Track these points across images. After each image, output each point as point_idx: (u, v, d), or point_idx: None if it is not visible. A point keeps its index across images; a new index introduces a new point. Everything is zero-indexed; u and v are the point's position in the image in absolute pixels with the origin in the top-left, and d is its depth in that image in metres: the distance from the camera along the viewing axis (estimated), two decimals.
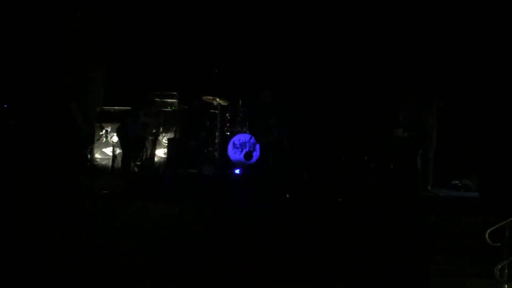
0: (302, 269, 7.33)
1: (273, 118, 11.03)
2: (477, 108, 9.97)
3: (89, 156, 11.77)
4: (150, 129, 11.14)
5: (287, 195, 8.79)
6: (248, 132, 11.15)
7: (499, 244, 6.62)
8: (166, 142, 11.44)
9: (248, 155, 10.89)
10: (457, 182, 10.80)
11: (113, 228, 7.82)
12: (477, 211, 8.15)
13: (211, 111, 11.59)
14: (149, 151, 11.29)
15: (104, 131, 11.72)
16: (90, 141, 11.84)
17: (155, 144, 11.08)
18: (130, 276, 7.39)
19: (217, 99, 11.25)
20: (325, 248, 7.39)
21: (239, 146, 11.10)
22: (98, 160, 11.88)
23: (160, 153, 11.51)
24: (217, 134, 11.34)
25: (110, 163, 11.52)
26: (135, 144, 10.68)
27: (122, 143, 10.83)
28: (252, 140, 11.01)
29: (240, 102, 11.43)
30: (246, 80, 11.87)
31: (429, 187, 10.06)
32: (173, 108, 12.07)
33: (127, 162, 10.77)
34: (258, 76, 11.64)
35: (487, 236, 6.81)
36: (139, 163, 11.00)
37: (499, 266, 6.41)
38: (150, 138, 11.08)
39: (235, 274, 7.36)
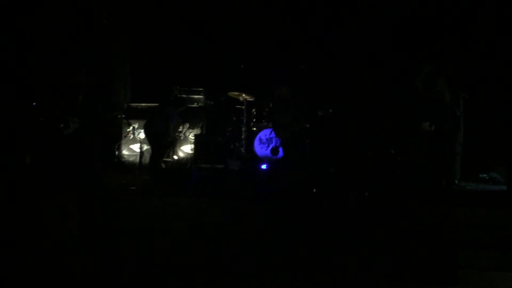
0: (329, 263, 7.35)
1: (298, 113, 11.02)
2: (505, 101, 9.90)
3: (117, 152, 11.89)
4: (177, 127, 11.20)
5: (314, 190, 8.80)
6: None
7: None
8: (193, 138, 11.49)
9: (275, 150, 10.90)
10: (485, 175, 10.73)
11: (140, 223, 7.89)
12: (505, 204, 8.10)
13: (237, 106, 11.63)
14: (176, 148, 11.37)
15: (131, 127, 11.80)
16: (117, 138, 11.96)
17: (182, 141, 11.12)
18: (157, 271, 7.45)
19: (243, 95, 11.28)
20: (353, 241, 7.39)
21: (266, 141, 11.12)
22: (125, 156, 11.99)
23: (187, 149, 11.57)
24: (243, 129, 11.38)
25: (137, 160, 11.60)
26: (162, 141, 10.74)
27: (149, 140, 10.91)
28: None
29: (270, 100, 11.46)
30: (271, 76, 11.89)
31: (456, 181, 10.00)
32: (200, 104, 12.14)
33: (155, 158, 10.85)
34: (283, 71, 11.64)
35: None
36: (167, 159, 11.07)
37: None
38: (177, 135, 11.13)
39: (261, 269, 7.39)
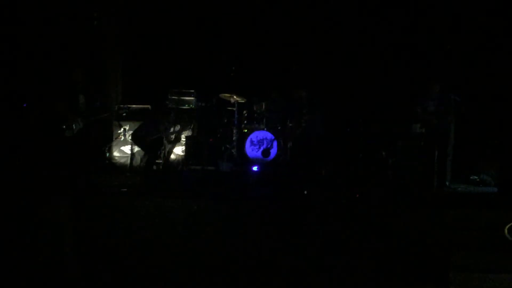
0: (320, 265, 7.34)
1: (292, 114, 11.05)
2: (496, 103, 9.95)
3: (107, 154, 11.85)
4: (170, 134, 11.19)
5: (305, 192, 8.80)
6: (265, 129, 11.18)
7: None
8: (184, 139, 11.47)
9: (266, 152, 10.90)
10: (476, 177, 10.79)
11: (131, 225, 7.87)
12: (496, 206, 8.12)
13: (229, 108, 11.62)
14: (167, 150, 11.34)
15: (122, 129, 11.77)
16: (108, 139, 11.92)
17: (174, 143, 11.06)
18: (147, 273, 7.43)
19: (234, 97, 11.27)
20: (344, 243, 7.39)
21: (257, 143, 11.12)
22: (116, 158, 11.95)
23: (178, 150, 11.55)
24: (234, 131, 11.37)
25: (128, 161, 11.57)
26: (153, 145, 10.75)
27: (139, 145, 10.95)
28: (270, 137, 11.02)
29: (263, 102, 11.49)
30: (264, 77, 11.92)
31: (447, 183, 10.03)
32: (191, 105, 12.12)
33: (145, 160, 10.86)
34: (275, 73, 11.67)
35: (506, 231, 6.81)
36: (158, 161, 11.05)
37: None
38: (170, 141, 11.12)
39: (251, 272, 7.38)
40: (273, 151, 10.97)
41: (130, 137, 11.63)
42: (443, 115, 9.61)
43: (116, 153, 11.98)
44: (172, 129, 11.39)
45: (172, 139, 10.98)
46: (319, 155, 10.39)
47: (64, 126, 10.02)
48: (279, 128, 10.99)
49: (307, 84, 10.78)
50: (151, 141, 10.68)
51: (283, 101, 11.33)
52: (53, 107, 10.18)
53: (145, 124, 10.92)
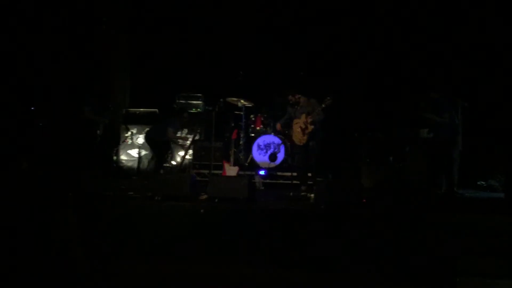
0: (325, 268, 7.34)
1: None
2: (503, 108, 9.93)
3: (115, 157, 11.89)
4: (178, 139, 11.22)
5: (311, 195, 8.79)
6: (272, 133, 11.18)
7: None
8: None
9: (273, 156, 10.89)
10: (483, 183, 10.77)
11: (138, 228, 7.89)
12: (504, 211, 8.11)
13: (236, 112, 11.63)
14: (175, 153, 11.37)
15: (129, 133, 11.81)
16: (116, 143, 11.97)
17: (187, 150, 11.06)
18: (154, 275, 7.44)
19: (242, 101, 11.27)
20: (351, 247, 7.39)
21: (264, 147, 11.12)
22: (123, 161, 11.99)
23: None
24: (241, 135, 11.38)
25: (135, 165, 11.61)
26: (161, 148, 10.79)
27: (150, 146, 11.01)
28: (277, 141, 11.02)
29: (266, 106, 11.52)
30: (270, 82, 11.93)
31: (455, 188, 10.00)
32: (198, 109, 12.16)
33: (153, 164, 10.90)
34: (282, 77, 11.67)
35: None
36: (166, 165, 11.07)
37: None
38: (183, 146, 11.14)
39: (259, 271, 7.39)
40: (280, 156, 10.97)
41: (137, 141, 11.68)
42: (450, 120, 9.58)
43: (123, 157, 12.02)
44: (180, 134, 11.41)
45: (186, 146, 10.98)
46: (325, 160, 10.37)
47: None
48: (286, 132, 10.97)
49: (313, 89, 10.74)
50: (160, 143, 10.72)
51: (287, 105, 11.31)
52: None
53: (156, 126, 10.98)
